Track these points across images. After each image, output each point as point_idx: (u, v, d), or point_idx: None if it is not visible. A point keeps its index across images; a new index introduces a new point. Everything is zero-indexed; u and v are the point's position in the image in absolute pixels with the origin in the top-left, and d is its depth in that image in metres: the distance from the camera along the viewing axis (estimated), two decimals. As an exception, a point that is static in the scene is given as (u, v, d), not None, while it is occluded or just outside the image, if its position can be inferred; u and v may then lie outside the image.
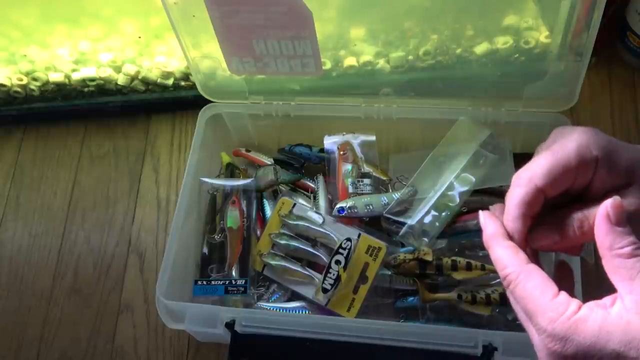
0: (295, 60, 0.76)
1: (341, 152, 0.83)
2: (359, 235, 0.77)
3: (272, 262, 0.77)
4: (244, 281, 0.76)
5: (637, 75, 0.95)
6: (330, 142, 0.84)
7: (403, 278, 0.77)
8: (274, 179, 0.84)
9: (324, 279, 0.74)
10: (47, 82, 0.96)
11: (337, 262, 0.75)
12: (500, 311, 0.73)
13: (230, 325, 0.70)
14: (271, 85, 0.83)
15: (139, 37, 0.93)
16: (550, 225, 0.45)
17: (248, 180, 0.83)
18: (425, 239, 0.76)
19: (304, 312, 0.77)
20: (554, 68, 0.75)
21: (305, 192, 0.86)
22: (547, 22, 0.74)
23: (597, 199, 0.43)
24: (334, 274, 0.74)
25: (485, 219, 0.47)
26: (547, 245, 0.46)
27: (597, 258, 0.42)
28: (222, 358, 0.81)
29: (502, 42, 0.77)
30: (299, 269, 0.77)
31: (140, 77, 0.96)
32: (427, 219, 0.76)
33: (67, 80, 0.96)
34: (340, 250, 0.75)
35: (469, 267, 0.73)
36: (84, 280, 0.89)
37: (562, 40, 0.72)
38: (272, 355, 0.73)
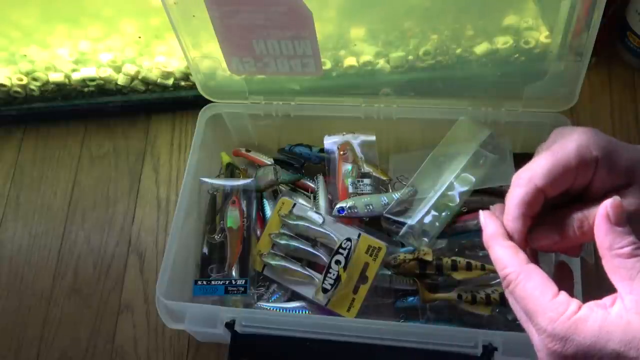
0: (295, 60, 0.76)
1: (341, 152, 0.83)
2: (359, 235, 0.77)
3: (272, 262, 0.77)
4: (244, 281, 0.76)
5: (637, 75, 0.95)
6: (330, 142, 0.85)
7: (403, 278, 0.77)
8: (274, 179, 0.84)
9: (324, 279, 0.74)
10: (47, 82, 0.96)
11: (337, 262, 0.75)
12: (500, 311, 0.73)
13: (230, 325, 0.70)
14: (271, 85, 0.83)
15: (139, 37, 0.93)
16: (550, 225, 0.45)
17: (248, 180, 0.83)
18: (425, 239, 0.76)
19: (304, 312, 0.77)
20: (554, 68, 0.75)
21: (305, 192, 0.86)
22: (547, 22, 0.74)
23: (597, 199, 0.43)
24: (334, 274, 0.74)
25: (485, 218, 0.47)
26: (547, 246, 0.46)
27: (597, 258, 0.42)
28: (222, 358, 0.81)
29: (502, 42, 0.77)
30: (299, 269, 0.77)
31: (140, 77, 0.96)
32: (427, 219, 0.76)
33: (67, 80, 0.96)
34: (340, 250, 0.75)
35: (469, 267, 0.73)
36: (84, 280, 0.89)
37: (562, 40, 0.72)
38: (272, 355, 0.73)
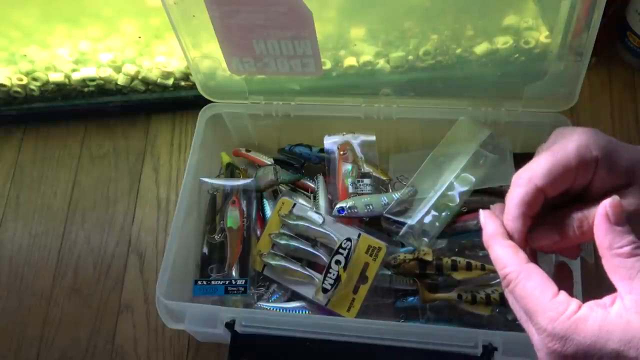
0: (295, 60, 0.76)
1: (341, 152, 0.83)
2: (359, 235, 0.77)
3: (272, 262, 0.77)
4: (244, 281, 0.76)
5: (637, 75, 0.95)
6: (330, 142, 0.85)
7: (403, 278, 0.77)
8: (274, 179, 0.84)
9: (324, 279, 0.74)
10: (47, 82, 0.96)
11: (337, 262, 0.75)
12: (500, 311, 0.73)
13: (230, 325, 0.70)
14: (271, 85, 0.83)
15: (139, 37, 0.93)
16: (550, 225, 0.45)
17: (248, 180, 0.83)
18: (425, 239, 0.76)
19: (304, 312, 0.77)
20: (554, 68, 0.75)
21: (305, 192, 0.86)
22: (547, 22, 0.74)
23: (597, 199, 0.43)
24: (334, 274, 0.74)
25: (485, 218, 0.47)
26: (547, 245, 0.46)
27: (597, 258, 0.42)
28: (222, 358, 0.81)
29: (502, 42, 0.77)
30: (299, 269, 0.77)
31: (140, 77, 0.96)
32: (427, 219, 0.76)
33: (67, 80, 0.96)
34: (340, 250, 0.75)
35: (469, 267, 0.73)
36: (84, 280, 0.89)
37: (562, 40, 0.72)
38: (272, 355, 0.73)
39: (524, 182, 0.44)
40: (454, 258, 0.74)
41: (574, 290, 0.47)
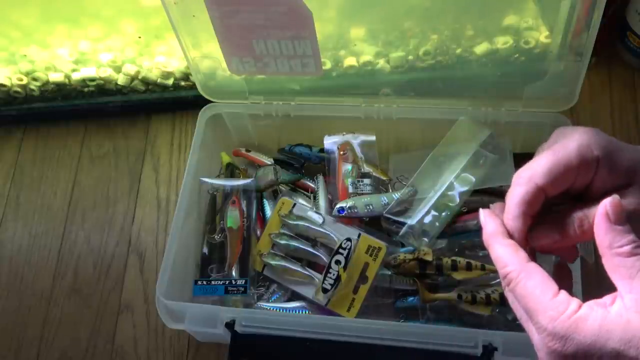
0: (295, 60, 0.76)
1: (341, 152, 0.83)
2: (359, 235, 0.77)
3: (272, 262, 0.77)
4: (244, 281, 0.76)
5: (637, 75, 0.95)
6: (330, 142, 0.85)
7: (403, 278, 0.77)
8: (274, 179, 0.84)
9: (324, 279, 0.74)
10: (47, 82, 0.96)
11: (337, 262, 0.75)
12: (500, 311, 0.73)
13: (230, 325, 0.70)
14: (271, 85, 0.83)
15: (139, 37, 0.93)
16: (551, 224, 0.45)
17: (248, 180, 0.83)
18: (425, 239, 0.76)
19: (304, 312, 0.77)
20: (554, 68, 0.75)
21: (305, 192, 0.86)
22: (547, 22, 0.74)
23: (598, 199, 0.42)
24: (334, 274, 0.74)
25: (485, 217, 0.47)
26: (547, 244, 0.46)
27: (597, 257, 0.42)
28: (222, 358, 0.81)
29: (502, 42, 0.77)
30: (299, 269, 0.77)
31: (140, 77, 0.96)
32: (427, 219, 0.76)
33: (67, 80, 0.96)
34: (340, 250, 0.75)
35: (469, 267, 0.73)
36: (84, 280, 0.89)
37: (562, 40, 0.72)
38: (272, 355, 0.73)
39: (525, 181, 0.44)
40: (454, 258, 0.74)
41: (574, 290, 0.47)
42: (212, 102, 0.85)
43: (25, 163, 0.99)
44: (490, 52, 0.77)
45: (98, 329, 0.85)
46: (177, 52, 0.94)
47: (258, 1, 0.69)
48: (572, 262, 0.49)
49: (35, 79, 0.96)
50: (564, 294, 0.40)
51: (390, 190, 0.82)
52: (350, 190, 0.81)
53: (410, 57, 0.79)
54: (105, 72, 0.95)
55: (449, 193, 0.77)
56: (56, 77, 0.96)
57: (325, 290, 0.74)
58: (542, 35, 0.76)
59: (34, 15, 0.89)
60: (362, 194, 0.80)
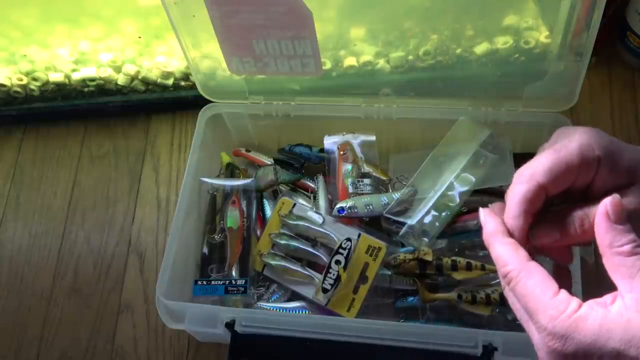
0: (295, 60, 0.76)
1: (341, 152, 0.83)
2: (359, 235, 0.77)
3: (272, 262, 0.77)
4: (244, 281, 0.76)
5: (637, 75, 0.95)
6: (330, 142, 0.85)
7: (403, 278, 0.77)
8: (274, 179, 0.84)
9: (324, 279, 0.74)
10: (47, 82, 0.96)
11: (337, 262, 0.75)
12: (500, 311, 0.73)
13: (230, 325, 0.70)
14: (271, 85, 0.83)
15: (139, 37, 0.93)
16: (552, 223, 0.45)
17: (248, 180, 0.83)
18: (425, 239, 0.76)
19: (304, 312, 0.77)
20: (554, 68, 0.75)
21: (305, 192, 0.86)
22: (547, 22, 0.74)
23: (599, 198, 0.42)
24: (334, 274, 0.74)
25: (485, 216, 0.46)
26: (547, 243, 0.46)
27: (597, 257, 0.42)
28: (222, 358, 0.81)
29: (502, 42, 0.77)
30: (299, 269, 0.77)
31: (140, 77, 0.96)
32: (427, 219, 0.76)
33: (67, 80, 0.96)
34: (340, 250, 0.75)
35: (469, 267, 0.73)
36: (84, 280, 0.89)
37: (562, 40, 0.72)
38: (272, 355, 0.73)
39: (526, 179, 0.44)
40: (454, 258, 0.74)
41: (574, 290, 0.47)
42: (212, 102, 0.85)
43: (25, 163, 0.99)
44: (490, 52, 0.77)
45: (98, 329, 0.85)
46: (177, 52, 0.94)
47: (258, 1, 0.69)
48: (568, 264, 0.49)
49: (35, 79, 0.96)
50: (564, 293, 0.40)
51: (390, 190, 0.82)
52: (350, 190, 0.81)
53: (410, 57, 0.79)
54: (105, 72, 0.95)
55: (449, 193, 0.77)
56: (56, 77, 0.96)
57: (325, 290, 0.74)
58: (542, 35, 0.76)
59: (34, 15, 0.89)
60: (362, 194, 0.80)
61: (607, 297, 0.40)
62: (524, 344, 0.62)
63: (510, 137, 0.81)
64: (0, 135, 1.02)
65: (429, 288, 0.75)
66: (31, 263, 0.91)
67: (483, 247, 0.47)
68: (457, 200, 0.77)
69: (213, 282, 0.76)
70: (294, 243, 0.78)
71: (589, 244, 0.45)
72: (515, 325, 0.70)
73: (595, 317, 0.39)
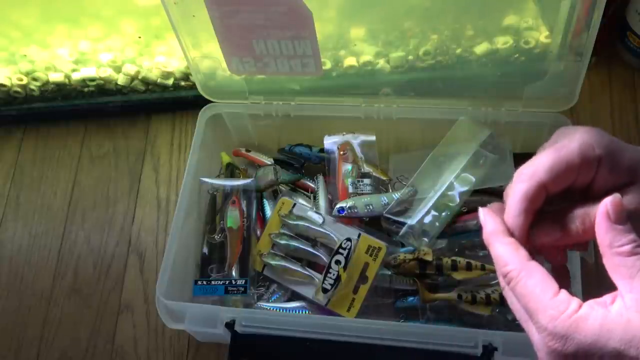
0: (295, 60, 0.76)
1: (341, 152, 0.83)
2: (359, 235, 0.77)
3: (272, 262, 0.77)
4: (244, 281, 0.76)
5: (637, 75, 0.95)
6: (330, 142, 0.85)
7: (403, 278, 0.77)
8: (274, 179, 0.84)
9: (324, 279, 0.74)
10: (47, 82, 0.96)
11: (337, 262, 0.75)
12: (500, 311, 0.73)
13: (230, 325, 0.70)
14: (271, 85, 0.83)
15: (139, 37, 0.93)
16: (552, 222, 0.45)
17: (248, 180, 0.83)
18: (425, 239, 0.76)
19: (304, 312, 0.77)
20: (554, 68, 0.75)
21: (305, 192, 0.86)
22: (547, 22, 0.74)
23: (599, 198, 0.42)
24: (334, 274, 0.74)
25: (485, 215, 0.46)
26: (548, 242, 0.46)
27: (597, 257, 0.42)
28: (222, 358, 0.81)
29: (502, 42, 0.77)
30: (299, 269, 0.77)
31: (140, 77, 0.96)
32: (427, 219, 0.76)
33: (67, 80, 0.96)
34: (340, 250, 0.75)
35: (469, 267, 0.73)
36: (84, 280, 0.89)
37: (562, 40, 0.72)
38: (272, 355, 0.73)
39: (527, 177, 0.44)
40: (454, 258, 0.74)
41: (574, 290, 0.47)
42: (212, 102, 0.85)
43: (25, 163, 0.99)
44: (490, 52, 0.77)
45: (98, 329, 0.85)
46: (177, 52, 0.94)
47: (258, 1, 0.69)
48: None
49: (35, 79, 0.96)
50: (564, 293, 0.40)
51: (390, 190, 0.82)
52: (350, 190, 0.81)
53: (410, 57, 0.79)
54: (105, 72, 0.95)
55: (449, 193, 0.77)
56: (56, 77, 0.96)
57: (325, 290, 0.74)
58: (542, 35, 0.76)
59: (34, 15, 0.89)
60: (362, 194, 0.80)
61: (607, 297, 0.40)
62: (524, 344, 0.62)
63: (510, 137, 0.81)
64: (0, 135, 1.02)
65: (429, 288, 0.75)
66: (31, 263, 0.91)
67: (483, 247, 0.47)
68: (457, 200, 0.77)
69: (213, 282, 0.76)
70: (294, 243, 0.78)
71: (587, 244, 0.45)
72: (515, 325, 0.70)
73: (595, 318, 0.38)
